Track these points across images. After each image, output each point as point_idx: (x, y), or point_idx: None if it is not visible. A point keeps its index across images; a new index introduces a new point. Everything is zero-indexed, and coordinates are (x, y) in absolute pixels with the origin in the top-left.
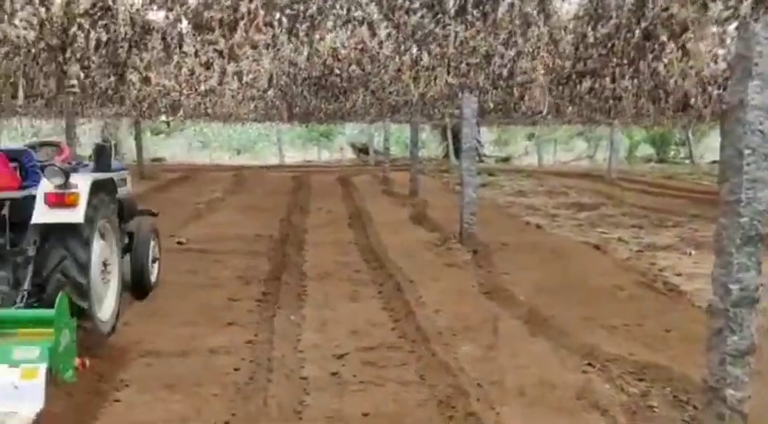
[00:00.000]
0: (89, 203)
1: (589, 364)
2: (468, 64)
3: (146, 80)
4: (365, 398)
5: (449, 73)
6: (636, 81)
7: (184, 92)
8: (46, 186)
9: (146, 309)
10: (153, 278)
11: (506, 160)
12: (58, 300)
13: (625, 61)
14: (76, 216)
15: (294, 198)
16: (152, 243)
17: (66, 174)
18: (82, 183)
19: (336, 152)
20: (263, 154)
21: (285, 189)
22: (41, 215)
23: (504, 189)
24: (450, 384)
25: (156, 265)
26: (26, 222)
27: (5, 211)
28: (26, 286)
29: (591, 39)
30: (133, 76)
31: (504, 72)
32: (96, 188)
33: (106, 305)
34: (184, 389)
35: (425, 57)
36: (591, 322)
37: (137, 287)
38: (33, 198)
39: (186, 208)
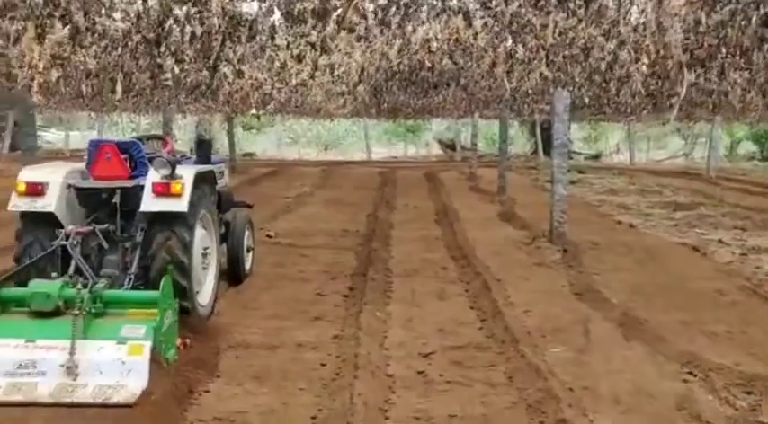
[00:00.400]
0: (192, 193)
1: (689, 372)
2: (564, 56)
3: (239, 73)
4: (452, 398)
5: (546, 65)
6: (747, 73)
7: (276, 85)
8: (153, 176)
9: (237, 301)
10: (247, 266)
11: (596, 157)
12: (162, 283)
13: (737, 51)
14: (181, 205)
15: (380, 193)
16: (247, 233)
17: (173, 166)
18: (186, 175)
19: (423, 148)
20: (350, 149)
21: (372, 185)
22: (149, 203)
23: (594, 186)
24: (540, 388)
25: (250, 254)
26: (135, 210)
27: (116, 199)
28: (133, 269)
29: (702, 27)
30: (226, 69)
31: (603, 65)
32: (199, 179)
33: (205, 291)
34: (272, 382)
35: (521, 49)
36: (690, 328)
37: (232, 274)
38: (142, 187)
39: (275, 202)
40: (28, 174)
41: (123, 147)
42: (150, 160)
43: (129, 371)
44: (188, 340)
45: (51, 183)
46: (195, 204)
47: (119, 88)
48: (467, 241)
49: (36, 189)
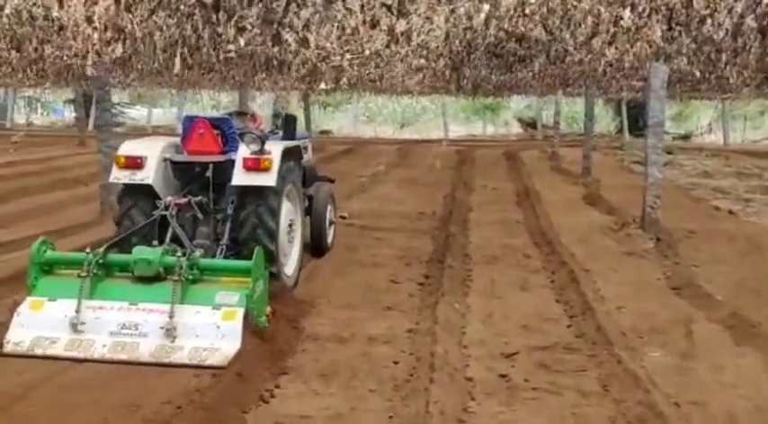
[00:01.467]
0: (280, 168)
1: None
2: (678, 24)
3: (303, 41)
4: (539, 408)
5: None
6: None
7: (346, 56)
8: (244, 151)
9: (307, 288)
10: (329, 240)
11: (685, 137)
12: (256, 252)
13: None
14: (270, 179)
15: (458, 173)
16: (329, 208)
17: (263, 141)
18: (275, 150)
19: (502, 127)
20: (426, 127)
21: (449, 164)
22: (239, 177)
23: (686, 169)
24: (641, 401)
25: (331, 228)
26: (225, 183)
27: (209, 173)
28: (224, 240)
29: None
30: (289, 37)
31: (719, 35)
32: (286, 154)
33: (291, 262)
34: (340, 381)
35: (628, 14)
36: None
37: (314, 247)
38: (233, 162)
39: (350, 181)
40: (127, 148)
41: (216, 123)
42: (240, 136)
43: (224, 335)
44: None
45: (149, 157)
46: (282, 178)
47: (177, 61)
48: (550, 225)
49: (135, 163)
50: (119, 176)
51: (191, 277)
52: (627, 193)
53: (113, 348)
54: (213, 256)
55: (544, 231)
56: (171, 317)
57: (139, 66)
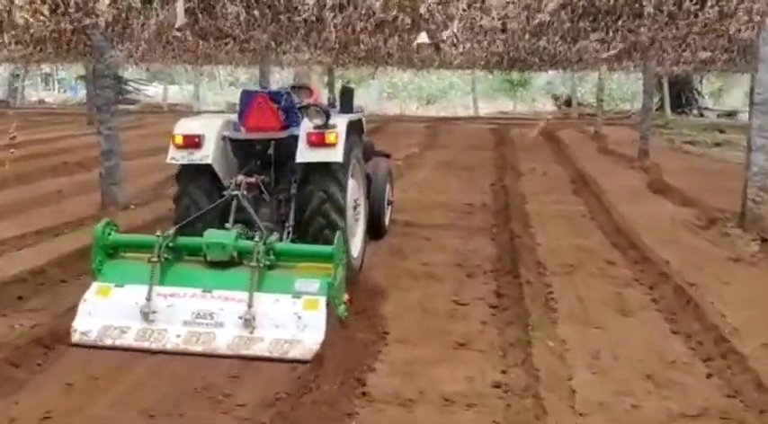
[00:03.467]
0: (345, 143)
1: None
2: None
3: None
4: None
5: None
6: None
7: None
8: (307, 126)
9: (352, 311)
10: (387, 220)
11: (730, 115)
12: (336, 237)
13: None
14: (336, 155)
15: (498, 154)
16: (387, 186)
17: (327, 115)
18: (341, 123)
19: (533, 103)
20: (453, 104)
21: (485, 144)
22: (304, 154)
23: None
24: None
25: (389, 208)
26: (288, 161)
27: (271, 150)
28: (290, 221)
29: None
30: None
31: None
32: (350, 128)
33: (356, 243)
34: None
35: None
36: None
37: (373, 228)
38: (294, 138)
39: None
40: (184, 126)
41: (275, 98)
42: (302, 110)
43: (306, 326)
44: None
45: (207, 135)
46: (348, 153)
47: (180, 7)
48: (623, 220)
49: (193, 142)
50: (176, 156)
51: (267, 262)
52: (694, 179)
53: (188, 338)
54: (279, 240)
55: (618, 228)
56: (250, 306)
57: (141, 28)
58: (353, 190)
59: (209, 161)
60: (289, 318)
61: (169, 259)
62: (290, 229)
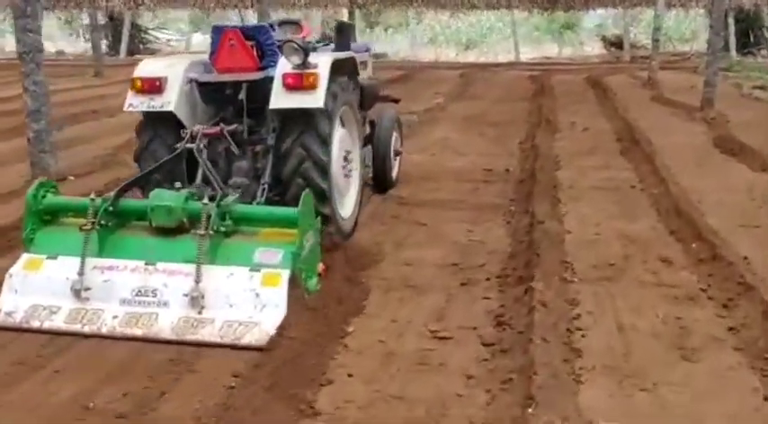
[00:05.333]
0: (330, 85)
1: None
2: None
3: None
4: None
5: None
6: None
7: None
8: (284, 66)
9: (286, 355)
10: (394, 173)
11: None
12: (302, 198)
13: None
14: (316, 99)
15: (535, 106)
16: (394, 135)
17: (306, 52)
18: (322, 63)
19: (581, 46)
20: (494, 49)
21: (522, 94)
22: (279, 99)
23: None
24: None
25: (397, 160)
26: (264, 107)
27: (242, 95)
28: (266, 178)
29: None
30: None
31: None
32: (337, 69)
33: (347, 202)
34: None
35: None
36: None
37: (377, 183)
38: (271, 80)
39: None
40: (144, 68)
41: (249, 33)
42: (280, 47)
43: (264, 306)
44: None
45: (170, 78)
46: (334, 98)
47: None
48: (684, 193)
49: (154, 86)
50: (134, 103)
51: (222, 228)
52: None
53: (126, 320)
54: (253, 198)
55: (678, 205)
56: (197, 281)
57: None
58: (343, 141)
59: (170, 108)
60: (244, 296)
61: (108, 226)
62: (266, 187)
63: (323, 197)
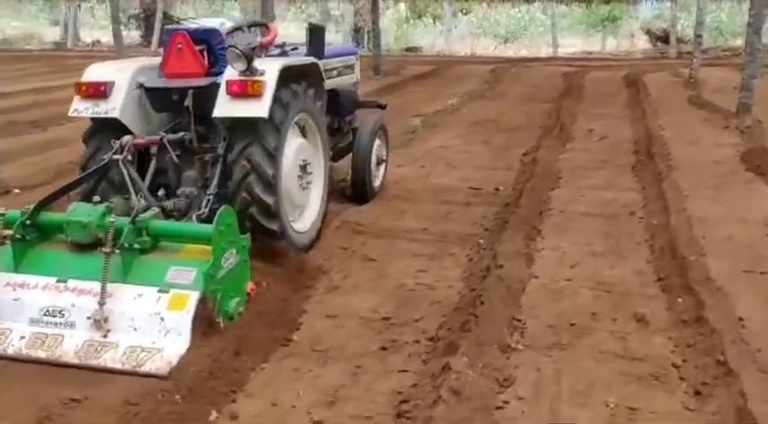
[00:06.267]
0: (280, 93)
1: None
2: None
3: None
4: None
5: None
6: None
7: None
8: (229, 73)
9: None
10: (376, 182)
11: None
12: (219, 212)
13: None
14: (261, 108)
15: (557, 107)
16: (377, 142)
17: (249, 58)
18: (270, 69)
19: (626, 39)
20: (535, 43)
21: (549, 93)
22: (222, 107)
23: None
24: None
25: (381, 168)
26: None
27: (188, 102)
28: (212, 188)
29: None
30: None
31: None
32: (289, 75)
33: (306, 214)
34: None
35: None
36: None
37: (356, 192)
38: (219, 86)
39: (401, 124)
40: (92, 72)
41: (199, 37)
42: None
43: (168, 331)
44: (264, 283)
45: (117, 83)
46: (285, 106)
47: None
48: (688, 226)
49: (99, 91)
50: (79, 108)
51: (137, 245)
52: None
53: (32, 341)
54: (199, 209)
55: (676, 243)
56: (101, 303)
57: None
58: (300, 151)
59: (115, 114)
60: (149, 319)
61: (27, 240)
62: (210, 198)
63: (268, 212)
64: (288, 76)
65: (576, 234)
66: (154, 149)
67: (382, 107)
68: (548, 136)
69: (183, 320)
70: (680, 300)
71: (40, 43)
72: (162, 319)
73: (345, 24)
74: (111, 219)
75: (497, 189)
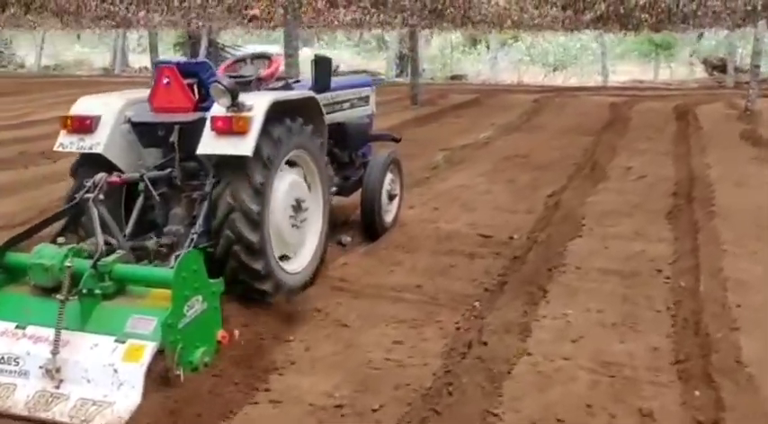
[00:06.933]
0: (269, 129)
1: None
2: None
3: None
4: None
5: None
6: None
7: None
8: (216, 108)
9: None
10: (388, 218)
11: None
12: (182, 257)
13: None
14: (245, 146)
15: (597, 141)
16: (388, 177)
17: (233, 93)
18: (258, 105)
19: (682, 67)
20: (586, 71)
21: (591, 125)
22: (206, 144)
23: None
24: None
25: (394, 203)
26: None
27: (174, 137)
28: (197, 227)
29: None
30: None
31: None
32: (282, 110)
33: (299, 255)
34: None
35: None
36: None
37: (365, 226)
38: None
39: (425, 159)
40: (79, 106)
41: (189, 70)
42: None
43: (121, 384)
44: (236, 332)
45: (104, 117)
46: (275, 143)
47: None
48: (721, 291)
49: (84, 125)
50: (64, 142)
51: (98, 291)
52: None
53: None
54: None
55: (703, 314)
56: (54, 352)
57: None
58: (294, 189)
59: (99, 149)
60: (103, 370)
61: None
62: (194, 237)
63: (252, 250)
64: (280, 111)
65: (587, 297)
66: (142, 185)
67: (396, 140)
68: (579, 175)
69: (136, 372)
70: (697, 393)
71: (90, 69)
72: (115, 371)
73: (391, 51)
74: (68, 263)
75: (511, 238)
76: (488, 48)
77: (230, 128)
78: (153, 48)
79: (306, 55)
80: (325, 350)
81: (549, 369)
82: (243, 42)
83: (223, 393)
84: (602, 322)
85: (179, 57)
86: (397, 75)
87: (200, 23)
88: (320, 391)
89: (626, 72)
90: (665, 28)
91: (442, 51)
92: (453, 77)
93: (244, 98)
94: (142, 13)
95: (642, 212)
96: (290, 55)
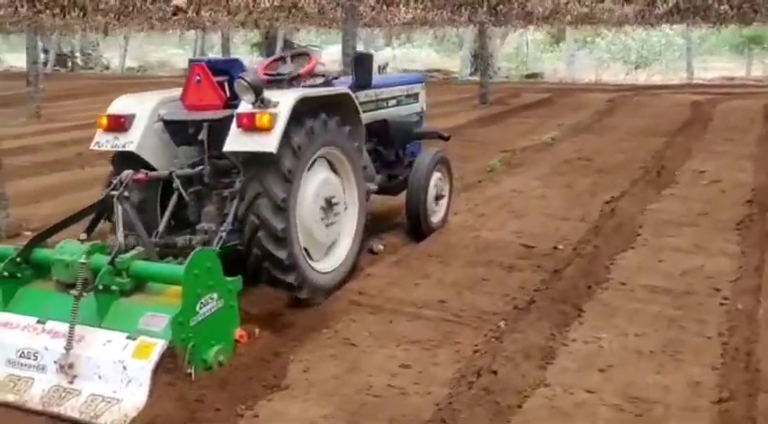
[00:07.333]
0: (291, 126)
1: None
2: None
3: None
4: None
5: None
6: None
7: None
8: (243, 105)
9: None
10: (435, 218)
11: None
12: (191, 256)
13: None
14: (269, 143)
15: (670, 143)
16: (435, 176)
17: (257, 89)
18: (284, 101)
19: None
20: (671, 67)
21: (667, 125)
22: (232, 141)
23: None
24: None
25: (442, 202)
26: None
27: (203, 135)
28: (226, 225)
29: None
30: None
31: None
32: (311, 106)
33: (331, 254)
34: None
35: None
36: None
37: (411, 226)
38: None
39: (482, 161)
40: (116, 105)
41: (221, 68)
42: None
43: (129, 381)
44: (256, 330)
45: (139, 115)
46: (309, 133)
47: None
48: None
49: (119, 124)
50: (100, 141)
51: (115, 287)
52: None
53: (5, 383)
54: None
55: (755, 346)
56: (68, 348)
57: None
58: (324, 186)
59: (132, 147)
60: (113, 367)
61: (18, 277)
62: (223, 235)
63: (276, 238)
64: (308, 107)
65: (626, 319)
66: (177, 183)
67: (445, 138)
68: (643, 180)
69: (144, 370)
70: None
71: (171, 70)
72: (125, 367)
73: (466, 49)
74: (83, 260)
75: (555, 248)
76: (559, 45)
77: (254, 124)
78: (225, 50)
79: (386, 55)
80: (325, 373)
81: (566, 404)
82: (321, 42)
83: (201, 419)
84: (640, 348)
85: (215, 56)
86: (471, 74)
87: (267, 23)
88: (308, 419)
89: (716, 68)
90: (754, 20)
91: (518, 49)
92: (529, 76)
93: (271, 94)
94: (207, 14)
95: (707, 222)
96: (348, 54)
